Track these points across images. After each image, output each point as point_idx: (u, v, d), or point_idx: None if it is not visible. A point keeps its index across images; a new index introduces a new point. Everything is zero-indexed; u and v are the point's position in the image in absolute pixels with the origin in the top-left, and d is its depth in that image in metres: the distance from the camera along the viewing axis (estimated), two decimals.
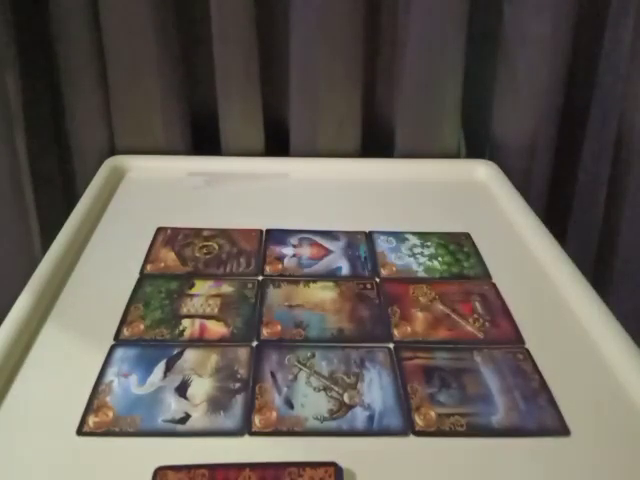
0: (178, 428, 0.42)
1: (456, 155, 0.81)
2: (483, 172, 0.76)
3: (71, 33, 0.72)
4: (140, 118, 0.76)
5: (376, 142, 0.80)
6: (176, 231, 0.63)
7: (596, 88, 0.78)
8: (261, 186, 0.73)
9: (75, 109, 0.76)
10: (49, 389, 0.45)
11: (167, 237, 0.63)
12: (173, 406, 0.44)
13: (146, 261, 0.59)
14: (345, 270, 0.59)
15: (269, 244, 0.62)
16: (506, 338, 0.51)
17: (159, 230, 0.64)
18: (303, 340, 0.50)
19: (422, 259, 0.60)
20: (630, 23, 0.72)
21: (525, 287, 0.57)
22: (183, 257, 0.60)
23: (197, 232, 0.63)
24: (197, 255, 0.60)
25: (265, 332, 0.51)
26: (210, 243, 0.62)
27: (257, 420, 0.43)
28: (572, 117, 0.78)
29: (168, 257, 0.60)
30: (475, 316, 0.53)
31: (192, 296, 0.54)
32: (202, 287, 0.56)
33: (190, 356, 0.48)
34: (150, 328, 0.51)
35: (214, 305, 0.53)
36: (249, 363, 0.47)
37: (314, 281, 0.57)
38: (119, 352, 0.48)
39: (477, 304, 0.55)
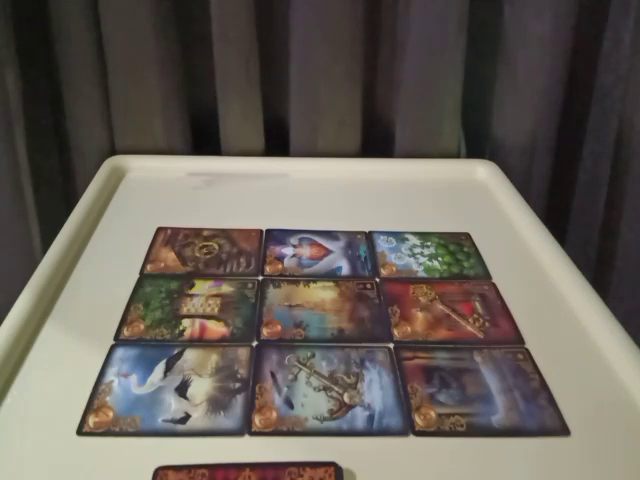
0: (178, 428, 0.42)
1: (456, 155, 0.81)
2: (483, 172, 0.76)
3: (71, 33, 0.72)
4: (140, 118, 0.76)
5: (376, 142, 0.80)
6: (176, 231, 0.63)
7: (596, 88, 0.78)
8: (261, 186, 0.73)
9: (75, 109, 0.76)
10: (49, 389, 0.45)
11: (167, 237, 0.63)
12: (173, 406, 0.44)
13: (146, 261, 0.59)
14: (345, 270, 0.59)
15: (269, 244, 0.62)
16: (506, 338, 0.51)
17: (159, 230, 0.64)
18: (303, 340, 0.50)
19: (422, 259, 0.60)
20: (630, 23, 0.72)
21: (525, 287, 0.58)
22: (183, 257, 0.60)
23: (197, 232, 0.63)
24: (197, 255, 0.60)
25: (265, 332, 0.51)
26: (210, 243, 0.62)
27: (257, 420, 0.43)
28: (572, 117, 0.78)
29: (168, 257, 0.60)
30: (475, 316, 0.53)
31: (192, 296, 0.54)
32: (202, 287, 0.56)
33: (190, 356, 0.48)
34: (150, 328, 0.51)
35: (214, 305, 0.53)
36: (249, 363, 0.47)
37: (314, 281, 0.57)
38: (119, 352, 0.48)
39: (477, 304, 0.55)
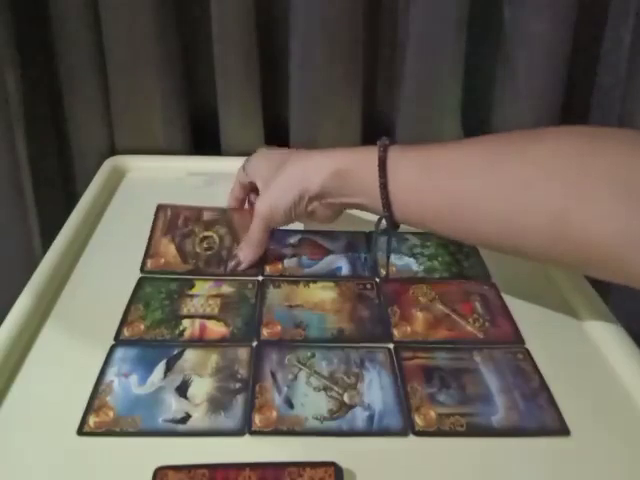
0: (178, 428, 0.42)
1: None
2: None
3: (71, 33, 0.72)
4: (140, 118, 0.76)
5: (376, 142, 0.80)
6: (176, 211, 0.65)
7: (596, 88, 0.78)
8: None
9: (75, 109, 0.76)
10: (49, 389, 0.45)
11: (167, 220, 0.64)
12: (173, 406, 0.44)
13: (146, 255, 0.59)
14: (345, 270, 0.59)
15: (269, 244, 0.62)
16: (506, 338, 0.51)
17: (159, 208, 0.65)
18: (303, 340, 0.50)
19: (422, 259, 0.60)
20: (630, 23, 0.72)
21: (525, 287, 0.57)
22: (183, 252, 0.60)
23: (197, 215, 0.65)
24: (197, 251, 0.60)
25: (265, 332, 0.51)
26: (210, 234, 0.62)
27: (257, 419, 0.43)
28: (572, 117, 0.78)
29: (168, 252, 0.60)
30: (475, 316, 0.53)
31: (192, 296, 0.54)
32: (202, 287, 0.56)
33: (190, 356, 0.48)
34: (150, 328, 0.51)
35: (214, 305, 0.53)
36: (249, 363, 0.47)
37: (314, 281, 0.57)
38: (119, 352, 0.48)
39: (477, 304, 0.55)
